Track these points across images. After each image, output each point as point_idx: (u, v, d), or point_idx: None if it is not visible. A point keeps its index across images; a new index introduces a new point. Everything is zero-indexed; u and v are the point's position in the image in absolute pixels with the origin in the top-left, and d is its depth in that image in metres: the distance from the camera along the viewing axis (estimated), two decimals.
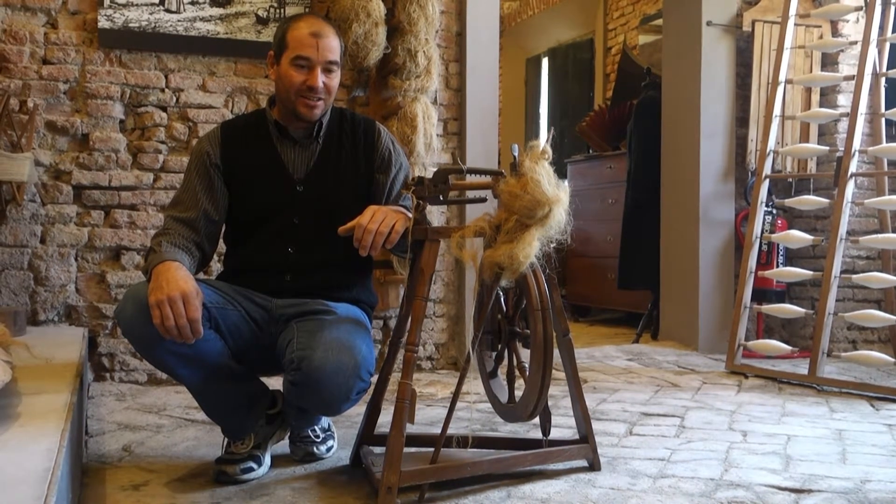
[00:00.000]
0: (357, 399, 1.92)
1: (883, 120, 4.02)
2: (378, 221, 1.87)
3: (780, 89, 3.79)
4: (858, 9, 3.74)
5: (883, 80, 3.92)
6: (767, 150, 3.76)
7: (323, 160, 2.14)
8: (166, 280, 1.81)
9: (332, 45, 2.08)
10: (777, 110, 3.79)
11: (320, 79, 2.05)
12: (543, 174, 1.80)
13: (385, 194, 2.15)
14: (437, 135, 3.61)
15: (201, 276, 2.99)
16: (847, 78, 3.71)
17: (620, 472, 2.08)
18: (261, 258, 2.11)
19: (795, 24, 3.88)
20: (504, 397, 2.10)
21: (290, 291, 2.09)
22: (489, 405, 2.22)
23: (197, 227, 2.05)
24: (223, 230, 2.19)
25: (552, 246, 1.86)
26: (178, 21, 3.29)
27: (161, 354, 1.88)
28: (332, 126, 2.17)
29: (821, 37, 4.21)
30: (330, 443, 2.26)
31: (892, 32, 3.72)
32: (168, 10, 3.28)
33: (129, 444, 2.35)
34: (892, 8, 3.68)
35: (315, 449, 2.20)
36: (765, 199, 3.78)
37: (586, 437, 2.10)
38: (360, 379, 1.88)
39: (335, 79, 2.10)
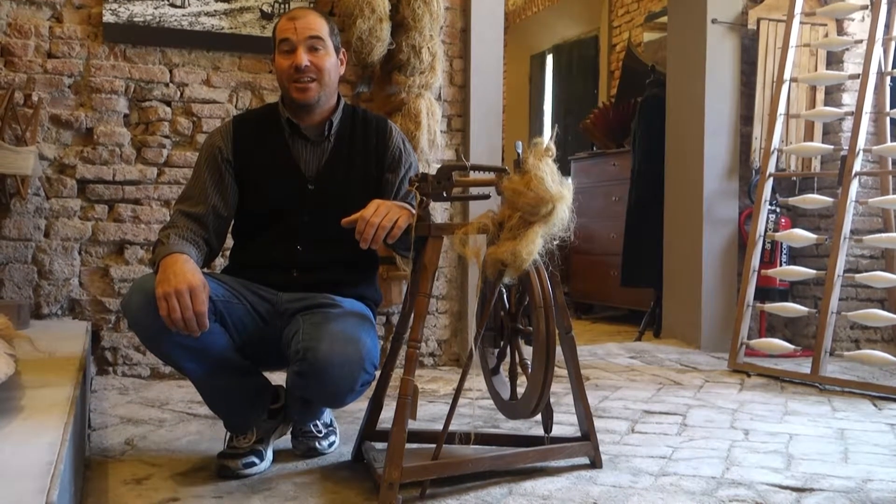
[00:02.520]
0: (362, 391, 1.92)
1: (888, 119, 4.02)
2: (381, 215, 1.86)
3: (784, 87, 3.78)
4: (864, 7, 3.73)
5: (888, 78, 3.91)
6: (772, 149, 3.75)
7: (334, 159, 2.13)
8: (174, 272, 1.81)
9: (311, 23, 2.07)
10: (782, 108, 3.78)
11: (305, 57, 2.04)
12: (547, 171, 1.80)
13: (394, 193, 2.14)
14: (441, 131, 3.61)
15: (206, 270, 3.00)
16: (852, 77, 3.70)
17: (622, 470, 2.08)
18: (269, 254, 2.11)
19: (801, 23, 3.87)
20: (506, 394, 2.11)
21: (296, 287, 2.10)
22: (491, 402, 2.22)
23: (205, 223, 2.05)
24: (231, 225, 2.19)
25: (555, 243, 1.85)
26: (183, 16, 3.29)
27: (167, 347, 1.88)
28: (344, 124, 2.17)
29: (826, 35, 4.19)
30: (332, 438, 2.26)
31: None
32: (173, 5, 3.28)
33: (131, 437, 2.36)
34: None
35: (317, 444, 2.20)
36: (769, 198, 3.77)
37: (588, 434, 2.10)
38: (365, 371, 1.88)
39: (324, 57, 2.08)
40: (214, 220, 2.07)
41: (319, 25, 2.08)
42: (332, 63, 2.10)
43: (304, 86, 2.05)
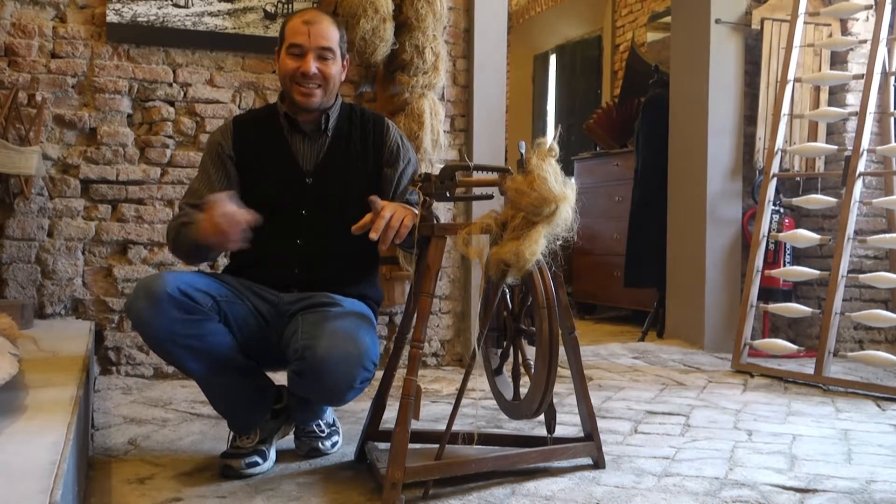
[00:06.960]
0: (361, 388, 1.92)
1: (892, 119, 4.01)
2: (399, 218, 1.87)
3: (788, 88, 3.77)
4: (868, 7, 3.72)
5: (892, 78, 3.90)
6: (775, 149, 3.75)
7: (332, 153, 2.15)
8: (206, 220, 1.87)
9: (325, 32, 2.09)
10: (785, 109, 3.77)
11: (313, 65, 2.06)
12: (550, 171, 1.80)
13: (392, 188, 2.16)
14: (445, 131, 3.61)
15: (208, 270, 3.00)
16: (856, 77, 3.69)
17: (625, 471, 2.08)
18: (269, 249, 2.11)
19: (805, 23, 3.86)
20: (509, 394, 2.10)
21: (297, 285, 2.10)
22: (494, 402, 2.22)
23: None
24: None
25: (558, 243, 1.85)
26: (187, 16, 3.29)
27: (170, 347, 1.89)
28: (342, 120, 2.19)
29: (830, 35, 4.19)
30: (335, 438, 2.26)
31: None
32: (176, 5, 3.28)
33: (134, 437, 2.36)
34: None
35: (320, 444, 2.21)
36: (772, 198, 3.77)
37: (591, 434, 2.10)
38: (365, 368, 1.88)
39: (332, 66, 2.10)
40: None
41: (331, 35, 2.11)
42: (338, 70, 2.13)
43: (308, 91, 2.08)
